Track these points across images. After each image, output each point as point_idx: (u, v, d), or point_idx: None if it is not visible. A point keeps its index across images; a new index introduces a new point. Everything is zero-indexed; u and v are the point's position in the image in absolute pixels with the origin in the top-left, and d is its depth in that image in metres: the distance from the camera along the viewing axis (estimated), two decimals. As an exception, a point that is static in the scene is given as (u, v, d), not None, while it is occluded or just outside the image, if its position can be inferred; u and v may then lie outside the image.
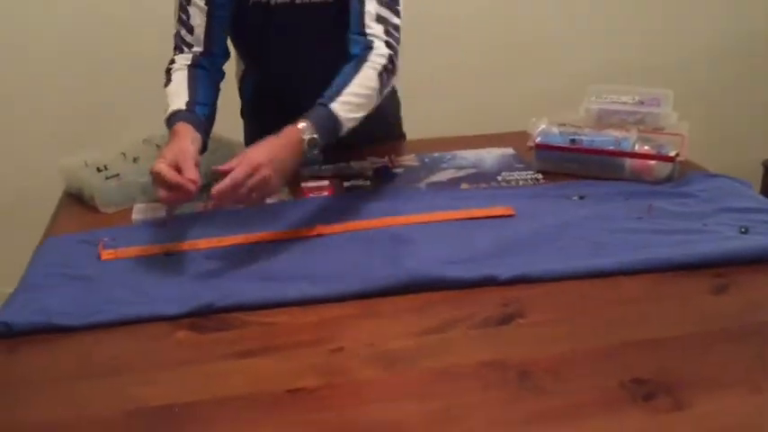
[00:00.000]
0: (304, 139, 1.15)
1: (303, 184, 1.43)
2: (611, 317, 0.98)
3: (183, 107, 1.26)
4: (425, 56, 2.40)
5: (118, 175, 1.39)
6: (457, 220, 1.25)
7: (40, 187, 1.66)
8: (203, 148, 1.26)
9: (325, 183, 1.44)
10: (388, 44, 1.28)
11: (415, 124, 1.71)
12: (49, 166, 1.50)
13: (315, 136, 1.16)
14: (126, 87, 2.25)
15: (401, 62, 1.32)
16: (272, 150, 1.12)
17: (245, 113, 1.68)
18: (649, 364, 0.88)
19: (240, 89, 1.65)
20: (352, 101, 1.21)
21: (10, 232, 2.11)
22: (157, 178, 1.09)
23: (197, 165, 1.13)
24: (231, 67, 1.62)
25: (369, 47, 1.27)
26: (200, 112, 1.28)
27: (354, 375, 0.88)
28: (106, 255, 1.18)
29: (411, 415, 0.81)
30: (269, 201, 1.36)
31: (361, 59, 1.26)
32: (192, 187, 1.08)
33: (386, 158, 1.55)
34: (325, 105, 1.19)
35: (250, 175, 1.08)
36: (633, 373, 0.86)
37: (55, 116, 2.36)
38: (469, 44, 2.51)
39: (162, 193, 1.10)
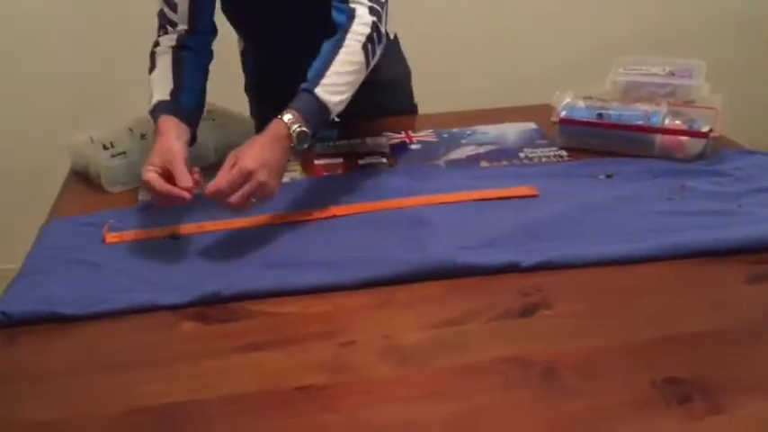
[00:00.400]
0: (292, 134, 1.08)
1: (316, 162, 1.38)
2: (641, 308, 0.92)
3: (167, 97, 1.20)
4: (441, 24, 2.33)
5: (124, 152, 1.34)
6: (478, 200, 1.19)
7: (51, 163, 1.60)
8: (192, 140, 1.21)
9: (340, 160, 1.38)
10: (371, 10, 1.18)
11: (430, 97, 1.64)
12: (59, 141, 1.46)
13: (304, 129, 1.09)
14: (138, 60, 2.20)
15: (389, 27, 1.23)
16: (263, 152, 1.05)
17: (248, 89, 1.62)
18: (682, 361, 0.82)
19: (243, 65, 1.59)
20: (337, 81, 1.13)
21: (20, 208, 2.08)
22: (148, 188, 1.06)
23: (187, 163, 1.08)
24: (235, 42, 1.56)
25: (351, 15, 1.18)
26: (186, 101, 1.22)
27: (366, 372, 0.83)
28: (111, 238, 1.13)
29: (426, 416, 0.76)
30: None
31: (342, 32, 1.16)
32: (186, 196, 1.04)
33: (403, 134, 1.49)
34: (310, 91, 1.11)
35: (243, 184, 1.03)
36: (666, 372, 0.80)
37: (64, 89, 2.31)
38: (488, 12, 2.42)
39: (155, 201, 1.08)
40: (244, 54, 1.58)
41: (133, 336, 0.92)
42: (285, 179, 1.30)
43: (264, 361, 0.86)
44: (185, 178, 1.05)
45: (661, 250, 1.02)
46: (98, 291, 0.99)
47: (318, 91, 1.11)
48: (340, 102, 1.13)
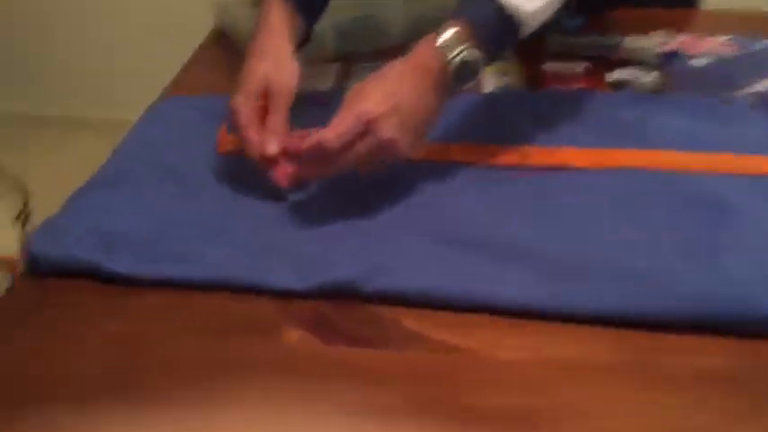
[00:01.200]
0: (450, 66, 0.64)
1: (546, 66, 0.92)
2: None
3: None
4: None
5: (279, 15, 0.98)
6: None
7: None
8: (305, 39, 0.82)
9: (582, 67, 0.92)
10: None
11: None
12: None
13: (468, 58, 0.64)
14: None
15: None
16: (395, 92, 0.63)
17: None
18: None
19: None
20: None
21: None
22: (232, 119, 0.70)
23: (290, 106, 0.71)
24: None
25: None
26: None
27: None
28: (227, 145, 0.77)
29: None
30: (485, 89, 0.88)
31: None
32: (271, 169, 0.68)
33: (681, 38, 0.99)
34: None
35: (359, 137, 0.62)
36: None
37: None
38: None
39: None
40: None
41: (201, 338, 0.56)
42: (491, 87, 0.87)
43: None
44: (274, 139, 0.68)
45: None
46: (180, 235, 0.64)
47: None
48: (537, 11, 0.66)
